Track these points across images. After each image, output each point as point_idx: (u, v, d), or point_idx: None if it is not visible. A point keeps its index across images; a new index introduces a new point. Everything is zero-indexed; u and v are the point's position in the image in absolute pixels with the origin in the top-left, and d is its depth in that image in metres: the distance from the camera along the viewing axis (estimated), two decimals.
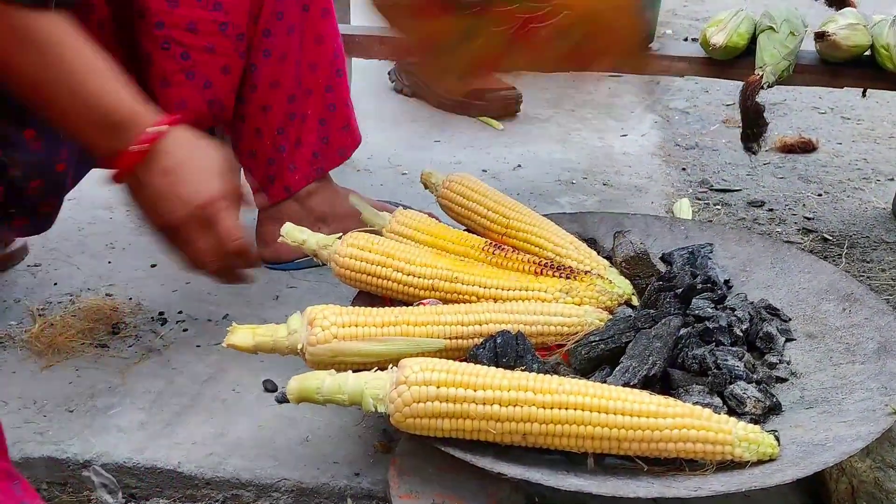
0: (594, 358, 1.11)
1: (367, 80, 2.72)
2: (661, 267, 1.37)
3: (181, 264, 1.17)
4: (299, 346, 1.10)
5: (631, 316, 1.17)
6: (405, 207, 1.46)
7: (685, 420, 0.96)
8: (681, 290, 1.23)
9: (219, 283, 1.22)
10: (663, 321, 1.13)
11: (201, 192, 1.10)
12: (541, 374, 1.00)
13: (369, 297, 1.29)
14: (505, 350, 1.08)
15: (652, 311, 1.19)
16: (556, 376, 1.00)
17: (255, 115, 1.49)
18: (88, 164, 1.33)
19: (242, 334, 1.10)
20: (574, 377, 1.06)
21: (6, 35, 0.97)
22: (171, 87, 1.37)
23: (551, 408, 0.95)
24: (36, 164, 1.20)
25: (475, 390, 0.96)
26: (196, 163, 1.10)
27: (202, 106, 1.40)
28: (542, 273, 1.27)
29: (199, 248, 1.13)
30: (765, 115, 1.58)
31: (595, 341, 1.12)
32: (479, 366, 1.00)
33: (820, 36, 1.60)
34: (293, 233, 1.29)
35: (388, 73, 2.65)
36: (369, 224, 1.40)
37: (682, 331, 1.15)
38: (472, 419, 0.96)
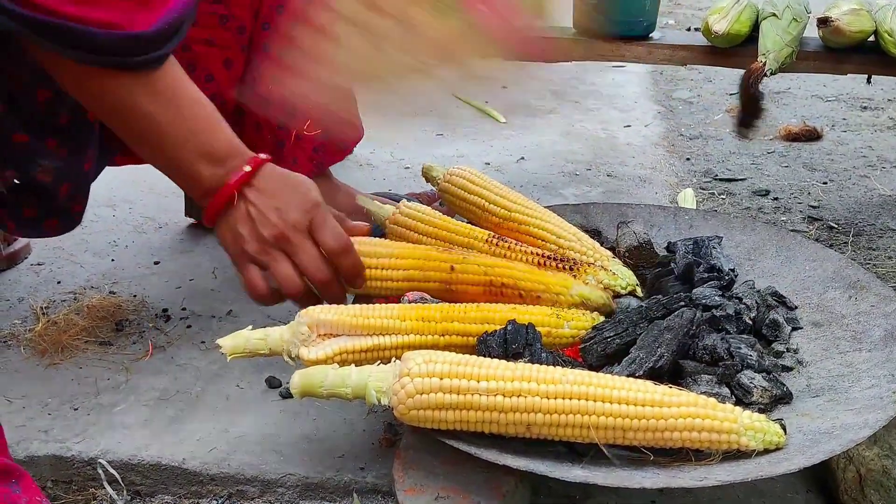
0: (611, 354, 1.11)
1: None
2: (666, 255, 1.36)
3: (273, 295, 1.14)
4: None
5: (643, 305, 1.16)
6: (409, 199, 1.45)
7: (690, 409, 0.95)
8: (680, 272, 1.23)
9: (324, 299, 1.15)
10: (677, 312, 1.12)
11: (307, 199, 1.12)
12: (545, 365, 0.99)
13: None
14: (515, 337, 1.08)
15: (661, 296, 1.18)
16: (559, 367, 0.99)
17: (255, 109, 1.48)
18: (106, 156, 1.34)
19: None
20: (580, 368, 1.06)
21: (136, 91, 1.03)
22: None
23: (555, 398, 0.94)
24: (64, 169, 1.22)
25: (478, 381, 0.95)
26: (294, 181, 1.14)
27: None
28: (545, 265, 1.26)
29: (305, 259, 1.11)
30: (763, 103, 1.58)
31: (610, 337, 1.11)
32: (482, 357, 1.00)
33: (823, 22, 1.58)
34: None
35: None
36: (372, 215, 1.39)
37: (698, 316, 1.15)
38: (475, 410, 0.95)
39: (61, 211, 1.28)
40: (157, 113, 1.04)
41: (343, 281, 1.15)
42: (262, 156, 1.12)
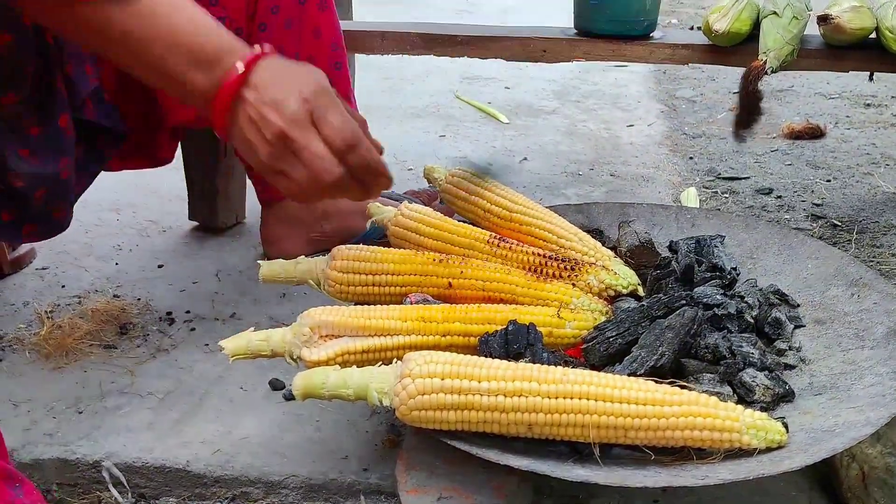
0: (613, 353, 1.11)
1: (370, 75, 2.72)
2: (666, 255, 1.36)
3: (297, 193, 1.02)
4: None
5: (644, 305, 1.16)
6: (411, 200, 1.45)
7: (691, 408, 0.95)
8: (680, 272, 1.23)
9: (354, 196, 1.05)
10: (678, 311, 1.12)
11: (306, 85, 0.99)
12: (545, 365, 0.99)
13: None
14: (516, 337, 1.08)
15: (664, 296, 1.18)
16: (559, 367, 0.99)
17: None
18: (96, 168, 1.34)
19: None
20: (581, 368, 1.06)
21: (112, 11, 0.94)
22: None
23: (556, 397, 0.95)
24: (37, 175, 1.21)
25: (479, 381, 0.95)
26: (294, 69, 1.01)
27: None
28: (546, 265, 1.26)
29: (308, 157, 0.98)
30: (762, 103, 1.57)
31: (613, 336, 1.11)
32: (483, 357, 1.00)
33: (823, 19, 1.58)
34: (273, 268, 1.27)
35: None
36: (374, 217, 1.39)
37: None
38: (477, 410, 0.95)
39: (39, 216, 1.26)
40: (134, 30, 0.96)
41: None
42: (260, 48, 1.00)
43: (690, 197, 1.92)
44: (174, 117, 1.39)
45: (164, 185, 1.95)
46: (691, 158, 2.27)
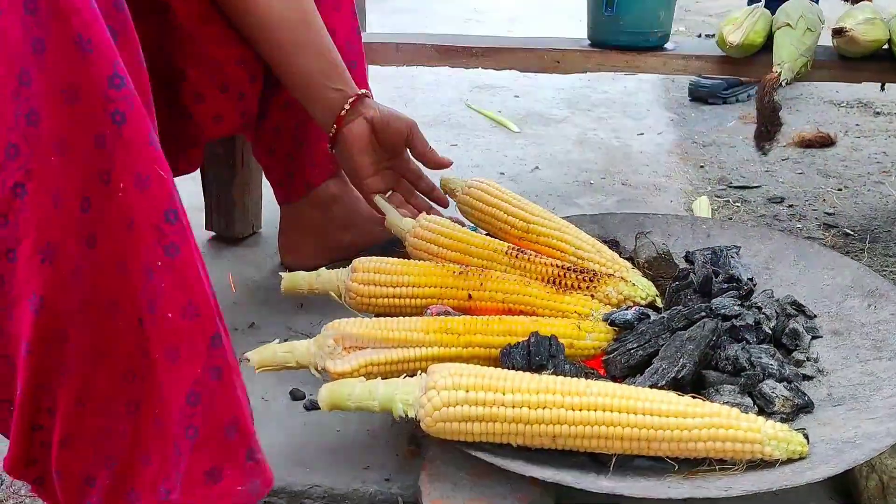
0: (634, 365, 1.12)
1: (381, 85, 2.73)
2: (684, 267, 1.37)
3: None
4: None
5: (664, 317, 1.17)
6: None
7: (713, 419, 0.96)
8: (698, 284, 1.24)
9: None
10: (698, 323, 1.13)
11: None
12: (569, 378, 1.00)
13: None
14: (538, 349, 1.09)
15: (683, 308, 1.19)
16: (583, 379, 1.00)
17: (276, 112, 1.50)
18: None
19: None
20: (603, 379, 1.07)
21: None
22: (206, 101, 1.37)
23: (580, 409, 0.96)
24: None
25: (504, 394, 0.97)
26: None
27: (236, 118, 1.41)
28: (565, 276, 1.27)
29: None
30: (780, 114, 1.59)
31: (633, 348, 1.12)
32: (507, 370, 1.01)
33: (838, 32, 1.59)
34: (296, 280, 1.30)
35: None
36: (393, 228, 1.40)
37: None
38: (501, 422, 0.97)
39: None
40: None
41: None
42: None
43: (702, 206, 1.93)
44: (209, 133, 1.40)
45: (181, 196, 1.96)
46: (702, 167, 2.28)
